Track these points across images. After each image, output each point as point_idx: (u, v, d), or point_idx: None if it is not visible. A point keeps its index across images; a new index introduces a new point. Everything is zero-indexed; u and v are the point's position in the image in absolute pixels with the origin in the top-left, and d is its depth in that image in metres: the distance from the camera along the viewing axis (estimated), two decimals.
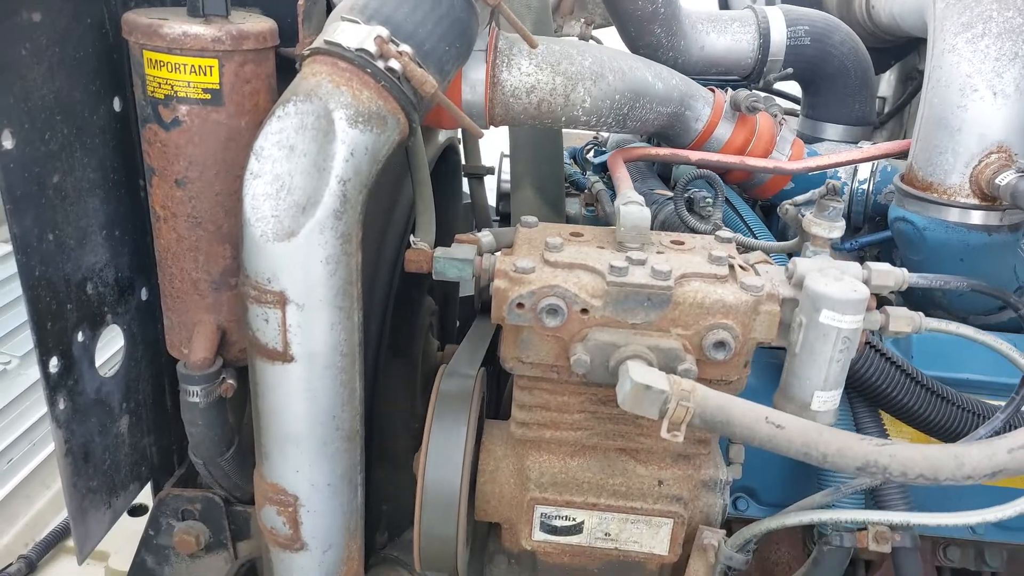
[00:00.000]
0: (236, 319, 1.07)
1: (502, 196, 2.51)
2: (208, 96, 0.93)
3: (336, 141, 0.88)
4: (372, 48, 0.90)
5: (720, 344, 0.99)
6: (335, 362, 0.96)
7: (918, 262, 1.50)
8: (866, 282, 1.00)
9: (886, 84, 2.89)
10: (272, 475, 1.02)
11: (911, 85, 2.65)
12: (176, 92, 0.92)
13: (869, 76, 1.95)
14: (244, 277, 0.93)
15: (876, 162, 1.80)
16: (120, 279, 1.08)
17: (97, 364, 1.05)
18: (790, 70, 1.80)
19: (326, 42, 0.91)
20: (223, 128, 0.95)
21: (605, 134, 2.27)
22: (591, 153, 2.12)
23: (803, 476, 1.41)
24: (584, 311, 1.00)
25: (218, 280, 1.04)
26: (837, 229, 1.04)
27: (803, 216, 1.08)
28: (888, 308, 1.05)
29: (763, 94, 1.61)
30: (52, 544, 1.81)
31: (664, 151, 1.61)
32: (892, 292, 1.07)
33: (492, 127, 1.28)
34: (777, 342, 1.04)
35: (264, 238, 0.89)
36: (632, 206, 1.10)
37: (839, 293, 0.94)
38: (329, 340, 0.94)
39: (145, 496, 1.98)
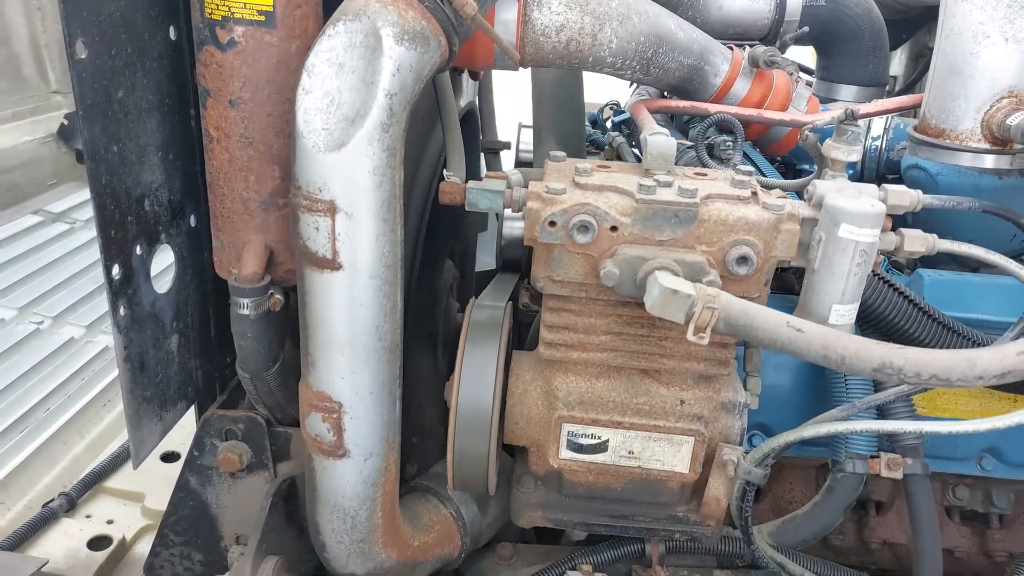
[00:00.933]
0: (283, 240, 1.12)
1: (519, 166, 2.56)
2: (262, 18, 0.98)
3: (383, 57, 0.94)
4: None
5: (743, 259, 1.04)
6: (379, 272, 1.01)
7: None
8: (882, 201, 1.04)
9: (897, 63, 2.92)
10: (318, 383, 1.08)
11: (922, 63, 2.69)
12: (233, 13, 0.97)
13: (883, 38, 1.99)
14: (295, 189, 0.98)
15: (889, 119, 1.84)
16: (173, 202, 1.13)
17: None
18: (806, 29, 1.84)
19: None
20: (275, 50, 1.01)
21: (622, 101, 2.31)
22: (609, 119, 2.16)
23: (818, 411, 1.46)
24: (613, 228, 1.05)
25: (267, 200, 1.09)
26: (855, 152, 1.08)
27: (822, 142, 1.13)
28: (903, 229, 1.09)
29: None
30: (91, 484, 1.88)
31: (684, 103, 1.66)
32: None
33: (522, 68, 1.33)
34: (796, 262, 1.09)
35: (316, 148, 0.94)
36: (659, 136, 1.15)
37: (858, 207, 0.99)
38: (375, 250, 0.99)
39: (176, 444, 2.05)
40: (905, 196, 1.06)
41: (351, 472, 1.13)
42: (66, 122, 4.01)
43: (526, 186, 1.17)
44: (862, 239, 0.99)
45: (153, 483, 1.91)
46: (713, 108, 1.60)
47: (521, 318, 1.75)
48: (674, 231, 1.04)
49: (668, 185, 1.06)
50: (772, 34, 1.90)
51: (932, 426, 1.04)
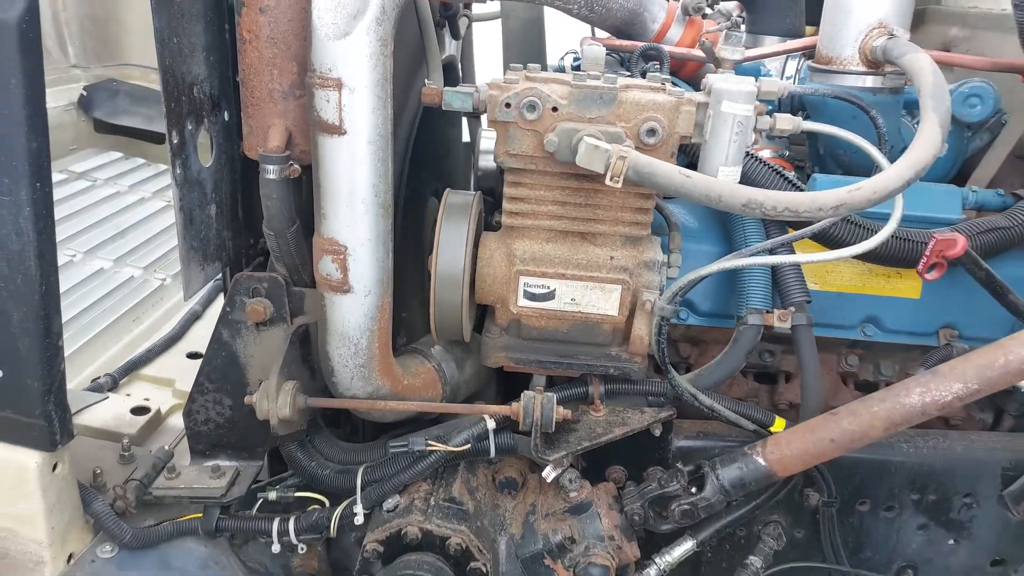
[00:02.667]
0: (299, 126, 1.39)
1: None
2: None
3: None
4: None
5: (651, 131, 1.33)
6: (374, 139, 1.29)
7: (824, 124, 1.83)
8: (757, 88, 1.33)
9: None
10: (328, 231, 1.36)
11: None
12: None
13: None
14: (311, 72, 1.26)
15: (800, 62, 2.13)
16: (212, 95, 1.41)
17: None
18: None
19: None
20: None
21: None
22: (569, 62, 2.43)
23: (728, 290, 1.75)
24: (554, 109, 1.34)
25: (287, 91, 1.36)
26: (739, 52, 1.37)
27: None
28: (775, 114, 1.38)
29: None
30: (129, 370, 2.15)
31: (626, 42, 1.95)
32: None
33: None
34: (695, 139, 1.38)
35: (327, 37, 1.22)
36: (592, 45, 1.43)
37: (734, 87, 1.28)
38: (371, 120, 1.27)
39: (200, 348, 2.31)
40: (774, 84, 1.35)
41: (354, 305, 1.41)
42: (85, 93, 4.24)
43: None
44: (739, 112, 1.28)
45: (182, 373, 2.18)
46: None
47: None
48: (600, 110, 1.33)
49: (597, 78, 1.35)
50: None
51: (800, 257, 1.34)
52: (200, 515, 1.62)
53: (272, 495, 1.60)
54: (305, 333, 1.57)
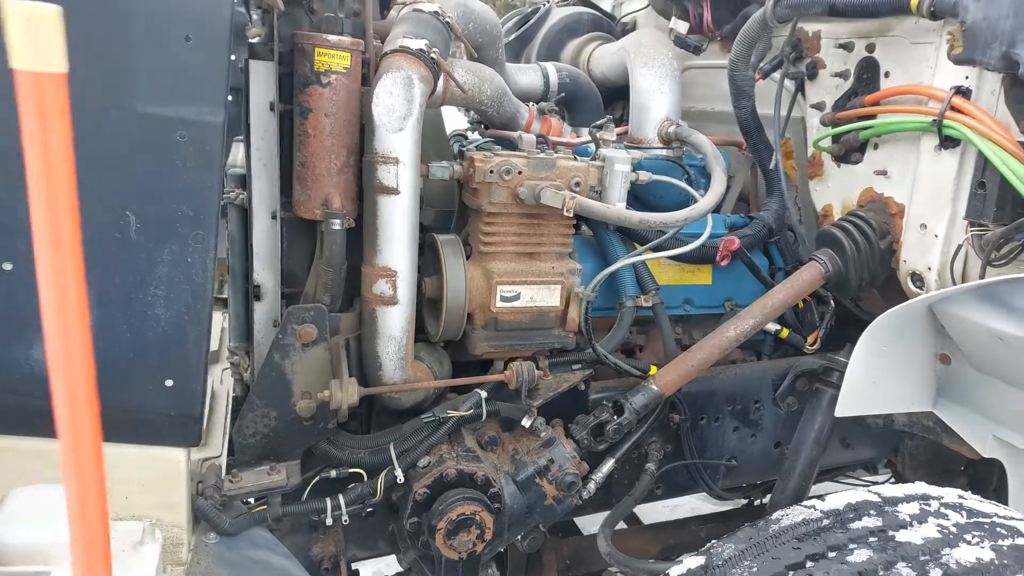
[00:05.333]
0: (345, 193, 1.86)
1: None
2: (344, 71, 1.76)
3: (414, 87, 1.78)
4: (424, 48, 1.81)
5: (577, 183, 2.03)
6: (415, 196, 1.82)
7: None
8: (631, 157, 2.11)
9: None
10: (383, 262, 1.83)
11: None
12: (331, 67, 1.74)
13: (599, 101, 3.19)
14: (374, 154, 1.76)
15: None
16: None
17: None
18: (562, 94, 2.98)
19: (400, 46, 1.81)
20: (348, 88, 1.78)
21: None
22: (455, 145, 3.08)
23: (608, 291, 2.48)
24: (520, 172, 1.98)
25: (339, 169, 1.83)
26: (613, 135, 2.15)
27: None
28: (639, 171, 2.17)
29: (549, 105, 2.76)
30: None
31: (504, 132, 2.66)
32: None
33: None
34: (598, 187, 2.11)
35: (387, 131, 1.74)
36: (527, 134, 2.12)
37: (618, 156, 2.04)
38: (413, 183, 1.80)
39: None
40: (637, 153, 2.14)
41: (399, 313, 1.88)
42: None
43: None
44: (622, 170, 2.04)
45: None
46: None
47: None
48: (547, 172, 2.00)
49: (542, 153, 2.03)
50: (544, 97, 3.01)
51: (663, 254, 2.11)
52: (265, 507, 1.90)
53: (332, 473, 1.94)
54: (347, 344, 1.97)
